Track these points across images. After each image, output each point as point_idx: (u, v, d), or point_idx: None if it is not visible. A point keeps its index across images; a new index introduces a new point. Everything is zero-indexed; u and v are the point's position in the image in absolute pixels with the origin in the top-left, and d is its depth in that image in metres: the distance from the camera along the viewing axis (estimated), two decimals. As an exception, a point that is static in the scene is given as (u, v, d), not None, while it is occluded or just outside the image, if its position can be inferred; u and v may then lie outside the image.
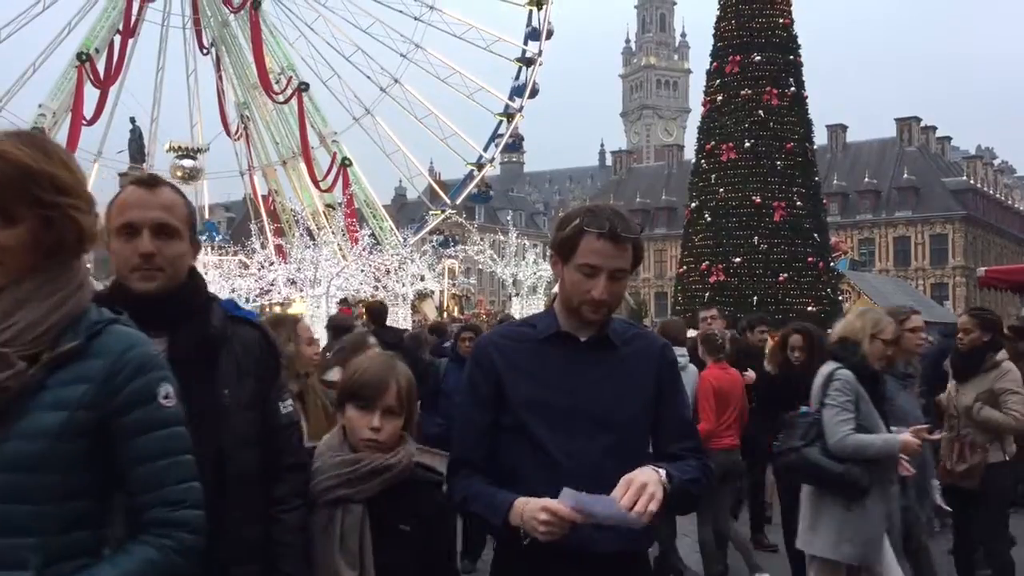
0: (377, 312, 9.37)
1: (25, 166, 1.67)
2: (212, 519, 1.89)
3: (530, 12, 43.17)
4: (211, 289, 2.39)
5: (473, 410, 2.41)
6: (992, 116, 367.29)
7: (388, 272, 31.84)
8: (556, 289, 2.50)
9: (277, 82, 41.06)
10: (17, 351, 1.66)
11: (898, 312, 5.16)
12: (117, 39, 39.03)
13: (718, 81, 24.87)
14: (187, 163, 41.24)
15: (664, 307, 53.50)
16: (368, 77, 43.54)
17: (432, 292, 36.05)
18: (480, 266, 46.21)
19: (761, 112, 23.93)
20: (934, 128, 71.31)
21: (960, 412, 5.66)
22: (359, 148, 46.00)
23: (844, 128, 71.16)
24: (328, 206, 41.41)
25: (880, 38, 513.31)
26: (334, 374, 5.27)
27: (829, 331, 9.26)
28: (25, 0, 40.41)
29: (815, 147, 26.02)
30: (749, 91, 24.05)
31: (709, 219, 24.30)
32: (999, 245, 69.94)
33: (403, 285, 32.36)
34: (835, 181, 62.95)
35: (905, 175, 65.50)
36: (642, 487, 2.05)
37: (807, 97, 24.95)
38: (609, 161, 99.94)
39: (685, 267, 25.39)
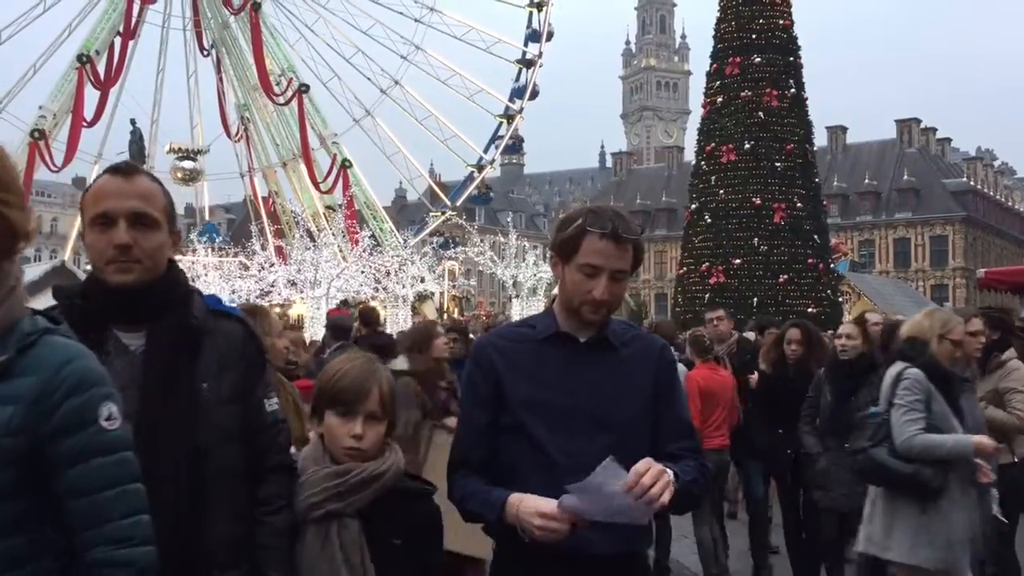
0: (367, 316, 9.46)
1: None
2: (190, 520, 1.79)
3: (530, 14, 43.18)
4: (211, 291, 2.34)
5: (472, 410, 2.42)
6: (992, 117, 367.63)
7: (388, 274, 31.80)
8: (556, 290, 2.50)
9: (277, 84, 41.02)
10: None
11: (962, 313, 5.08)
12: (117, 41, 38.95)
13: (718, 83, 24.92)
14: (187, 164, 41.21)
15: (664, 308, 53.46)
16: (368, 79, 43.53)
17: (432, 294, 36.01)
18: (480, 268, 46.13)
19: (761, 114, 23.97)
20: (934, 129, 71.31)
21: None
22: (359, 150, 46.05)
23: (844, 129, 71.17)
24: (328, 207, 41.37)
25: (880, 38, 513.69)
26: (399, 362, 5.19)
27: (830, 331, 9.26)
28: (26, 1, 40.41)
29: (815, 148, 26.07)
30: (749, 93, 24.10)
31: (709, 220, 24.34)
32: (999, 246, 69.91)
33: (403, 287, 32.31)
34: (835, 182, 62.94)
35: (905, 176, 65.46)
36: (661, 472, 2.05)
37: (807, 98, 25.00)
38: (609, 163, 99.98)
39: (685, 268, 25.42)
